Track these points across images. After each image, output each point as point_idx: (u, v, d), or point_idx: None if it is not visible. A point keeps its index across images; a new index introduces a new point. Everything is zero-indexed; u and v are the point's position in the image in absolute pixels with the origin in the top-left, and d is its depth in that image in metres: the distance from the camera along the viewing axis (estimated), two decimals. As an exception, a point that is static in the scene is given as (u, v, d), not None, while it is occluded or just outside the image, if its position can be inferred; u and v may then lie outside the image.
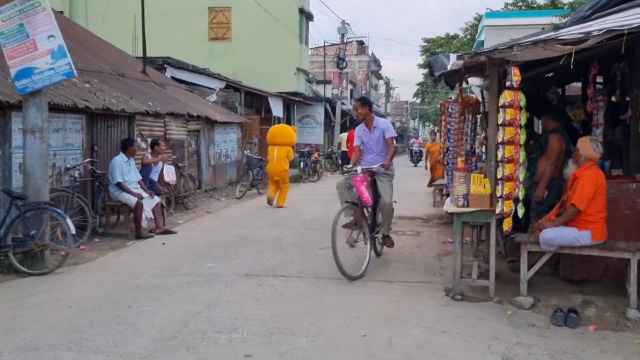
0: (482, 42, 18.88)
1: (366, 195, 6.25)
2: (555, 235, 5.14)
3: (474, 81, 7.98)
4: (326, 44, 33.76)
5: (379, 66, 55.54)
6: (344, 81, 32.17)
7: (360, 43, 48.78)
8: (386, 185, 6.66)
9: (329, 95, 30.43)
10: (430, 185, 14.89)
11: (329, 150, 27.48)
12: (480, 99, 8.42)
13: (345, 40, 31.24)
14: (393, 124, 69.58)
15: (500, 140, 4.99)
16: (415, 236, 8.81)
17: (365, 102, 6.94)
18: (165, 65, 17.69)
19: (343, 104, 31.40)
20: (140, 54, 15.10)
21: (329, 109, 29.73)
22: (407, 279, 6.22)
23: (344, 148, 22.47)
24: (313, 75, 31.40)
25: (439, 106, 11.52)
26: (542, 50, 5.04)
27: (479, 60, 5.07)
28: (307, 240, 8.37)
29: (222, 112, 16.54)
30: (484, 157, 10.04)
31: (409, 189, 16.14)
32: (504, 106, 4.96)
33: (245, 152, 15.78)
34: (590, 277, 5.85)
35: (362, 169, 6.45)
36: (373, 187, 6.60)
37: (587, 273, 5.84)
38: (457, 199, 5.46)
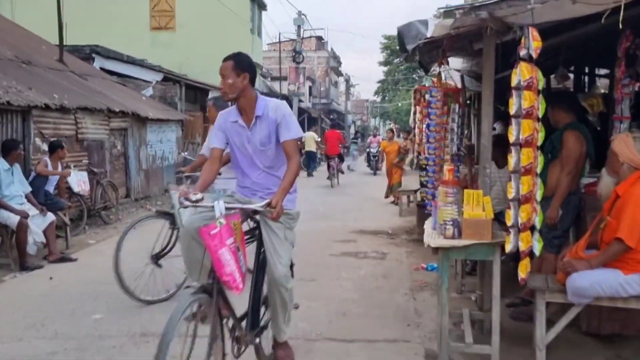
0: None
1: (230, 269, 2.87)
2: (592, 282, 3.43)
3: (453, 64, 6.25)
4: (283, 39, 31.81)
5: (339, 62, 53.89)
6: (301, 76, 30.30)
7: (319, 38, 46.98)
8: (278, 239, 3.31)
9: (285, 92, 28.51)
10: (388, 196, 12.99)
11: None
12: (460, 86, 6.71)
13: (302, 33, 29.32)
14: (353, 122, 67.27)
15: (513, 139, 3.25)
16: (381, 260, 7.04)
17: (243, 64, 3.27)
18: (94, 55, 15.49)
19: (301, 100, 29.57)
20: (70, 42, 12.92)
21: (286, 106, 27.75)
22: (372, 335, 4.41)
23: (311, 148, 20.63)
24: (268, 70, 29.43)
25: (412, 94, 9.64)
26: (571, 4, 3.36)
27: (480, 15, 3.32)
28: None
29: (159, 107, 14.45)
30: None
31: (371, 193, 14.44)
32: (518, 87, 3.23)
33: (183, 153, 13.62)
34: (625, 332, 4.22)
35: (227, 208, 2.99)
36: (258, 240, 3.42)
37: (620, 326, 4.21)
38: (443, 227, 3.71)
